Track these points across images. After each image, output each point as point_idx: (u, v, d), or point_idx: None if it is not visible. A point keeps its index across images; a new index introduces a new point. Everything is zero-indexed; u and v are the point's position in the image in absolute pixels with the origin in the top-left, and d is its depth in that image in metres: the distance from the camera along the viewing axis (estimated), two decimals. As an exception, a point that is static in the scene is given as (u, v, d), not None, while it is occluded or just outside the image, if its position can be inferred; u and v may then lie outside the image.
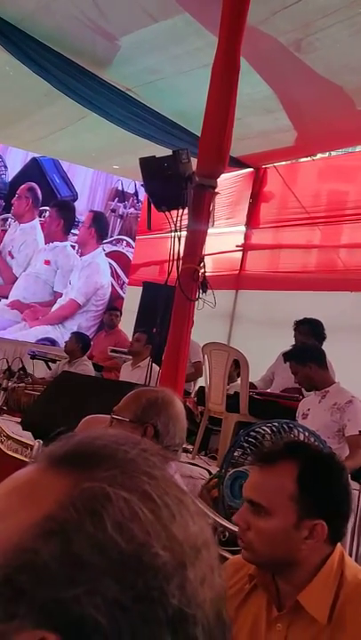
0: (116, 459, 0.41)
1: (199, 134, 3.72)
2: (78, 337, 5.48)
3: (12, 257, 8.59)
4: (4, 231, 8.73)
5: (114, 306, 7.66)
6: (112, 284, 8.13)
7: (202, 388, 4.40)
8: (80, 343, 5.32)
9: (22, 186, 8.62)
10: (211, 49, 3.67)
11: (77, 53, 5.05)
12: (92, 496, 0.38)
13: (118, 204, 8.79)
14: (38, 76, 5.12)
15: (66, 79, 5.14)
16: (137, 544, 0.37)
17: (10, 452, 3.32)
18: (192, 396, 4.77)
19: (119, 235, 8.65)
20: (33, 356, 5.63)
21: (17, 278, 8.49)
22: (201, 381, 4.55)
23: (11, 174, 9.41)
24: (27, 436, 3.34)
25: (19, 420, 3.80)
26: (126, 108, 5.40)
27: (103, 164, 8.07)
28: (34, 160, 9.06)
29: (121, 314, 7.11)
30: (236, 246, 6.89)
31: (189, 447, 3.72)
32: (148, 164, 3.69)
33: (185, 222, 3.60)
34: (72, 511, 0.38)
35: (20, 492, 0.41)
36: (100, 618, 0.35)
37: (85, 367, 5.12)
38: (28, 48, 4.96)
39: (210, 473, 3.19)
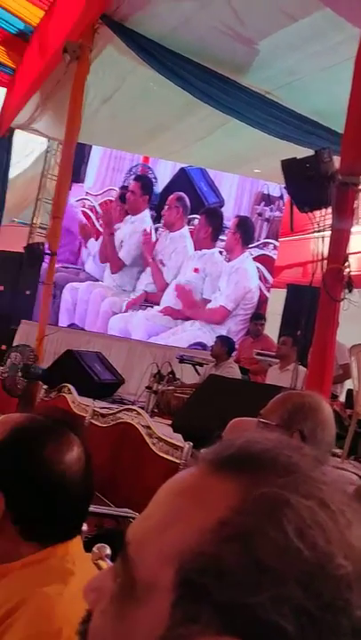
0: (281, 463, 0.41)
1: (341, 131, 3.62)
2: (223, 340, 5.55)
3: (164, 265, 8.95)
4: (157, 240, 9.13)
5: (258, 313, 7.65)
6: (260, 288, 8.14)
7: (350, 390, 4.26)
8: (225, 347, 5.39)
9: (171, 196, 8.94)
10: (353, 41, 3.56)
11: (217, 62, 5.15)
12: (269, 501, 0.38)
13: (264, 207, 8.79)
14: (181, 88, 5.28)
15: (207, 89, 5.26)
16: (320, 552, 0.36)
17: (161, 454, 3.42)
18: (340, 399, 4.64)
19: (266, 238, 8.65)
20: (181, 360, 5.79)
21: (168, 285, 8.82)
22: (349, 384, 4.41)
23: (161, 185, 9.82)
24: (177, 438, 3.42)
25: (169, 422, 3.91)
26: (266, 111, 5.40)
27: (245, 169, 8.12)
28: (182, 170, 9.37)
29: (265, 319, 7.09)
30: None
31: (338, 451, 3.62)
32: (289, 166, 3.66)
33: (328, 222, 3.52)
34: (250, 516, 0.37)
35: (187, 495, 0.41)
36: (286, 625, 0.34)
37: (231, 370, 5.18)
38: (171, 62, 5.15)
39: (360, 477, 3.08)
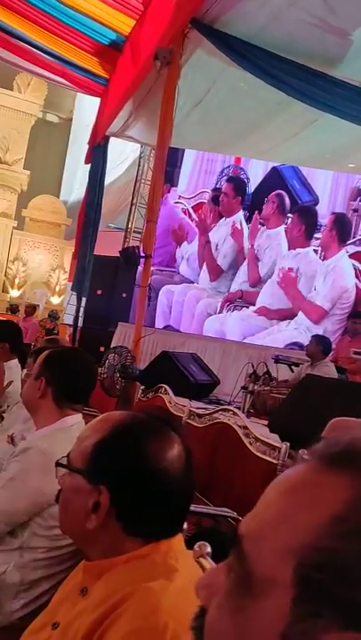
0: None
1: None
2: (319, 340, 5.44)
3: (259, 259, 8.90)
4: (251, 235, 9.10)
5: (357, 311, 7.42)
6: (356, 286, 7.90)
7: None
8: (320, 345, 5.28)
9: (272, 193, 8.89)
10: None
11: (308, 57, 5.05)
12: None
13: (360, 203, 8.53)
14: (272, 86, 5.23)
15: (299, 85, 5.17)
16: None
17: (258, 454, 3.41)
18: None
19: (363, 234, 8.38)
20: (277, 360, 5.73)
21: (261, 280, 8.77)
22: None
23: (253, 185, 9.78)
24: (273, 439, 3.40)
25: (265, 422, 3.90)
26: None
27: (338, 165, 7.90)
28: (274, 169, 9.29)
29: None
30: None
31: None
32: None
33: None
34: None
35: (299, 492, 0.42)
36: None
37: (328, 369, 5.06)
38: (262, 61, 5.11)
39: None
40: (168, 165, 6.05)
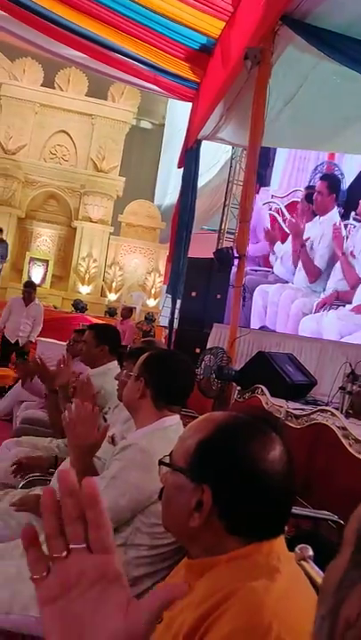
0: None
1: None
2: None
3: (354, 257, 8.65)
4: (347, 236, 8.85)
5: None
6: None
7: None
8: None
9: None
10: None
11: None
12: None
13: None
14: (368, 78, 5.07)
15: (396, 74, 4.98)
16: None
17: (358, 456, 3.33)
18: None
19: None
20: (377, 360, 5.53)
21: (360, 279, 8.51)
22: None
23: (348, 181, 9.51)
24: (374, 440, 3.31)
25: (365, 423, 3.80)
26: None
27: None
28: (370, 164, 8.99)
29: None
30: None
31: None
32: None
33: None
34: None
35: None
36: None
37: None
38: (356, 52, 4.97)
39: None
40: (260, 165, 6.01)
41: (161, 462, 1.10)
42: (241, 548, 0.97)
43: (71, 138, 16.96)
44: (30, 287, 8.05)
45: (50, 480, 2.64)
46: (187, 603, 0.94)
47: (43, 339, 8.69)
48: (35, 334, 8.06)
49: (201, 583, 0.96)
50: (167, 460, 1.09)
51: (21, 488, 2.68)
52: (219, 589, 0.91)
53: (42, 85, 16.69)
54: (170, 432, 1.79)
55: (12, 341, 7.89)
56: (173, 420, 1.86)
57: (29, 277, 15.04)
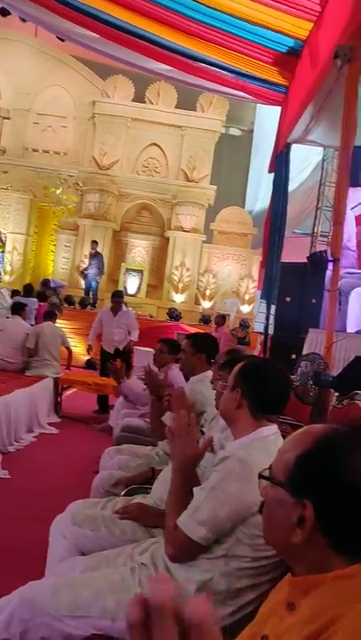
0: None
1: None
2: None
3: None
4: None
5: None
6: None
7: None
8: None
9: None
10: None
11: None
12: None
13: None
14: None
15: None
16: None
17: None
18: None
19: None
20: None
21: None
22: None
23: None
24: None
25: None
26: None
27: None
28: None
29: None
30: None
31: None
32: None
33: None
34: None
35: None
36: None
37: None
38: None
39: None
40: (353, 165, 5.83)
41: (261, 476, 1.09)
42: (346, 568, 0.94)
43: (162, 150, 17.29)
44: (118, 297, 8.19)
45: (150, 489, 2.68)
46: (292, 622, 0.92)
47: (139, 347, 8.89)
48: (134, 336, 8.22)
49: (306, 602, 0.94)
50: (267, 473, 1.08)
51: (123, 496, 2.75)
52: (325, 611, 0.88)
53: (133, 100, 17.16)
54: (268, 442, 1.77)
55: (111, 352, 8.10)
56: (271, 429, 1.84)
57: (125, 288, 15.45)
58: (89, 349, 8.49)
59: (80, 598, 1.73)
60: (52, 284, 14.08)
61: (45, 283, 13.69)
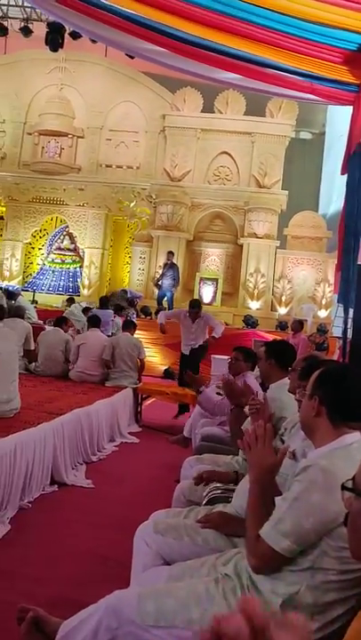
0: None
1: None
2: None
3: None
4: None
5: None
6: None
7: None
8: None
9: None
10: None
11: None
12: None
13: None
14: None
15: None
16: None
17: None
18: None
19: None
20: None
21: None
22: None
23: None
24: None
25: None
26: None
27: None
28: None
29: None
30: None
31: None
32: None
33: None
34: None
35: None
36: None
37: None
38: None
39: None
40: None
41: (344, 487, 1.06)
42: None
43: (232, 158, 17.31)
44: (196, 307, 8.22)
45: (230, 497, 2.67)
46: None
47: (216, 355, 8.89)
48: (218, 332, 8.24)
49: None
50: (350, 484, 1.05)
51: (205, 505, 2.75)
52: None
53: (202, 111, 17.30)
54: (352, 450, 1.72)
55: (187, 353, 8.18)
56: (354, 437, 1.79)
57: (200, 297, 15.50)
58: (162, 328, 8.60)
59: (165, 608, 1.73)
60: (129, 295, 14.36)
61: (123, 293, 13.99)
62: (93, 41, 13.30)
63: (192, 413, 5.84)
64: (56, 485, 4.55)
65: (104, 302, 12.05)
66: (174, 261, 15.85)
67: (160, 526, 2.38)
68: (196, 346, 8.21)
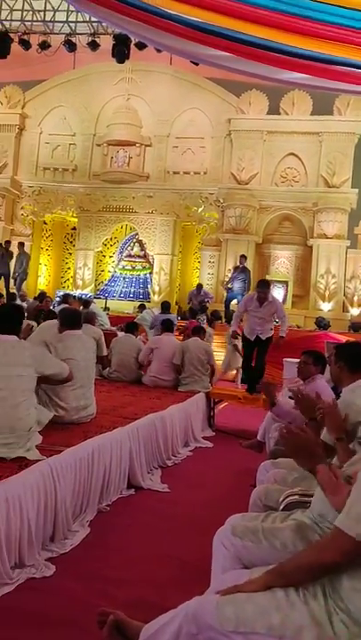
0: None
1: None
2: None
3: None
4: None
5: None
6: None
7: None
8: None
9: None
10: None
11: None
12: None
13: None
14: None
15: None
16: None
17: None
18: None
19: None
20: None
21: None
22: None
23: None
24: None
25: None
26: None
27: None
28: None
29: None
30: None
31: None
32: None
33: None
34: None
35: None
36: None
37: None
38: None
39: None
40: None
41: None
42: None
43: (300, 159, 17.10)
44: (264, 287, 7.52)
45: (309, 503, 2.63)
46: None
47: (288, 359, 8.78)
48: (284, 330, 7.60)
49: None
50: None
51: (282, 510, 2.72)
52: None
53: (267, 114, 17.19)
54: None
55: (252, 339, 7.60)
56: None
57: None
58: (234, 335, 8.31)
59: (245, 614, 1.73)
60: (202, 293, 14.42)
61: (198, 288, 14.23)
62: (158, 50, 13.49)
63: (265, 417, 5.78)
64: (133, 489, 4.61)
65: (166, 307, 12.13)
66: (246, 265, 15.70)
67: (238, 529, 2.37)
68: (264, 337, 7.57)
